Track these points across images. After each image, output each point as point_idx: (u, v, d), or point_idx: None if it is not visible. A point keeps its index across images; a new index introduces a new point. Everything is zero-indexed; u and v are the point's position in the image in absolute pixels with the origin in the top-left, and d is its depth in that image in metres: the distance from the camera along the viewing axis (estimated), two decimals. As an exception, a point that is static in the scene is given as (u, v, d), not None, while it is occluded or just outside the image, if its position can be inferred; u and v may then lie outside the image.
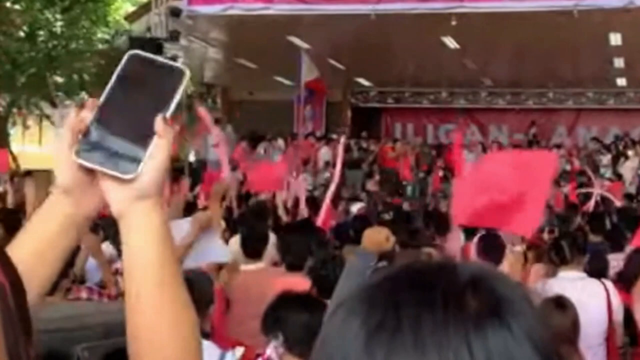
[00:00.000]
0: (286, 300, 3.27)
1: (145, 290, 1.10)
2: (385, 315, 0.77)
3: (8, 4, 19.98)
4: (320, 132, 21.00)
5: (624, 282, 5.10)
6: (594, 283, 4.91)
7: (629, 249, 6.02)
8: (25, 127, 28.64)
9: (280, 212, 8.50)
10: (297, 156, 15.22)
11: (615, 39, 15.47)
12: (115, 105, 1.10)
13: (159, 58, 1.14)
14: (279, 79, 20.08)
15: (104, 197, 1.15)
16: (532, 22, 13.46)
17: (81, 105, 1.11)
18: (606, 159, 18.91)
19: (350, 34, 15.30)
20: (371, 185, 17.57)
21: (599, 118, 23.16)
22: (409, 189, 17.96)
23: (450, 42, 16.25)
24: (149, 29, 15.26)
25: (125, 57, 1.12)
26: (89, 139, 1.09)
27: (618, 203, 11.45)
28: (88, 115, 1.12)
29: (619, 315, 4.84)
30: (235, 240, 6.22)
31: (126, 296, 1.11)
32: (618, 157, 18.87)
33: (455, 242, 6.76)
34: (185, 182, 11.07)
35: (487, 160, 4.82)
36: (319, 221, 7.05)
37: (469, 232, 6.38)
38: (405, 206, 13.67)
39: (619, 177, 17.19)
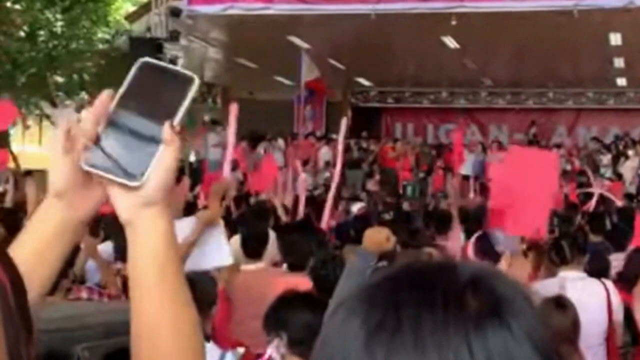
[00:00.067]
0: (289, 300, 3.27)
1: (149, 294, 1.11)
2: (386, 315, 0.77)
3: (8, 4, 19.97)
4: (321, 132, 21.00)
5: (624, 281, 5.10)
6: (594, 283, 4.91)
7: (630, 248, 6.02)
8: (26, 127, 28.65)
9: (280, 212, 8.49)
10: (296, 156, 15.22)
11: (615, 38, 15.48)
12: (124, 113, 1.10)
13: (169, 66, 1.15)
14: (279, 78, 20.08)
15: (100, 201, 1.17)
16: (532, 22, 13.46)
17: (78, 109, 1.12)
18: (606, 158, 18.91)
19: (350, 33, 15.30)
20: (371, 185, 17.58)
21: (599, 118, 23.16)
22: (409, 189, 17.96)
23: (451, 42, 16.25)
24: (149, 29, 15.26)
25: (135, 65, 1.13)
26: (97, 147, 1.09)
27: (619, 203, 11.44)
28: (87, 116, 1.12)
29: (619, 315, 4.84)
30: (235, 240, 6.22)
31: (131, 299, 1.12)
32: (618, 157, 18.87)
33: (455, 242, 6.77)
34: (186, 182, 11.06)
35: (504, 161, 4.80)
36: (323, 223, 7.05)
37: (469, 232, 6.38)
38: (405, 206, 13.67)
39: (619, 177, 17.19)
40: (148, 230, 1.11)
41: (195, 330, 1.14)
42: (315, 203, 9.08)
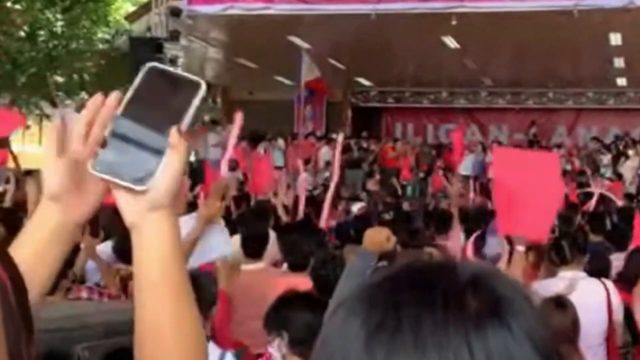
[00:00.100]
0: (289, 300, 3.27)
1: (153, 296, 1.12)
2: (386, 315, 0.77)
3: (9, 4, 19.98)
4: (321, 132, 21.00)
5: (624, 281, 5.10)
6: (594, 283, 4.91)
7: (630, 248, 6.02)
8: (26, 127, 28.64)
9: (280, 212, 8.49)
10: (297, 156, 15.21)
11: (615, 38, 15.48)
12: (131, 117, 1.11)
13: (176, 71, 1.16)
14: (280, 78, 20.09)
15: (96, 203, 1.17)
16: (533, 22, 13.46)
17: (78, 108, 1.13)
18: (606, 158, 18.90)
19: (350, 33, 15.30)
20: (371, 185, 17.56)
21: (599, 118, 23.16)
22: (409, 189, 17.96)
23: (451, 42, 16.25)
24: (149, 29, 15.27)
25: (143, 70, 1.14)
26: (104, 150, 1.10)
27: (620, 202, 11.44)
28: (81, 119, 1.13)
29: (619, 315, 4.84)
30: (235, 240, 6.21)
31: (135, 299, 1.13)
32: (618, 156, 18.86)
33: (456, 242, 6.77)
34: (185, 182, 11.05)
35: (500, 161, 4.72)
36: (322, 222, 7.05)
37: (469, 232, 6.38)
38: (405, 206, 13.67)
39: (619, 176, 17.19)
40: (153, 234, 1.11)
41: (197, 330, 1.14)
42: (315, 203, 9.08)
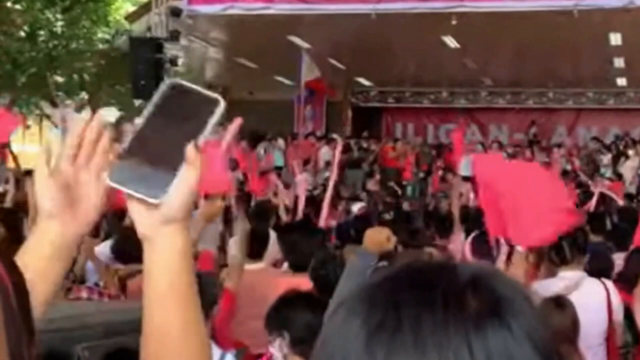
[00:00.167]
0: (290, 300, 3.27)
1: (161, 307, 1.14)
2: (386, 315, 0.78)
3: (9, 4, 19.98)
4: (321, 132, 21.00)
5: (624, 281, 5.10)
6: (594, 283, 4.91)
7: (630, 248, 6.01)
8: (26, 127, 28.64)
9: (281, 212, 8.50)
10: (296, 155, 15.21)
11: (615, 38, 15.48)
12: (150, 131, 1.12)
13: (196, 88, 1.16)
14: (280, 78, 20.09)
15: (93, 215, 1.20)
16: (533, 21, 13.46)
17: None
18: (606, 158, 18.89)
19: (350, 33, 15.29)
20: (372, 185, 17.56)
21: (599, 118, 23.16)
22: (409, 189, 17.96)
23: (451, 42, 16.25)
24: (149, 29, 15.26)
25: (164, 86, 1.15)
26: (121, 162, 1.12)
27: (621, 202, 11.43)
28: (70, 137, 1.16)
29: (619, 315, 4.84)
30: (235, 240, 6.22)
31: (143, 308, 1.16)
32: (618, 156, 18.85)
33: (458, 244, 6.76)
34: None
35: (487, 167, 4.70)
36: (321, 221, 7.05)
37: (469, 232, 6.38)
38: (405, 206, 13.66)
39: (619, 176, 17.18)
40: (165, 247, 1.13)
41: (203, 340, 1.16)
42: (315, 203, 9.08)
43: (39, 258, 1.20)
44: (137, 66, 14.38)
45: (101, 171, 1.17)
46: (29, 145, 29.27)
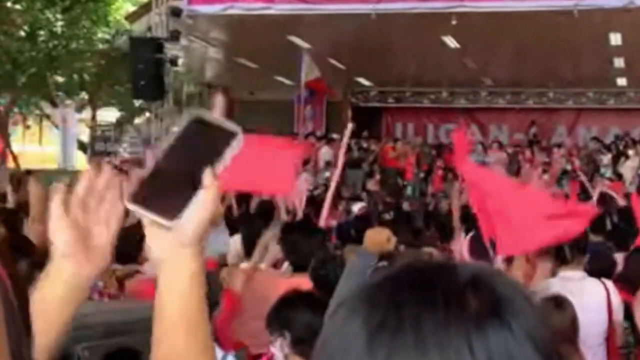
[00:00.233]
0: (291, 300, 3.27)
1: (172, 328, 1.16)
2: (387, 315, 0.78)
3: (9, 4, 19.99)
4: (321, 132, 20.99)
5: (624, 281, 5.10)
6: (594, 283, 4.91)
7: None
8: (26, 126, 28.66)
9: (282, 212, 8.49)
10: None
11: (616, 38, 15.47)
12: (169, 160, 1.17)
13: (217, 120, 1.20)
14: (280, 78, 20.08)
15: (106, 258, 1.25)
16: (533, 21, 13.45)
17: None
18: (606, 158, 18.89)
19: (350, 33, 15.29)
20: (372, 185, 17.57)
21: (599, 118, 23.16)
22: (409, 189, 17.96)
23: (451, 42, 16.25)
24: (149, 29, 15.27)
25: (186, 119, 1.19)
26: (141, 187, 1.16)
27: (621, 202, 11.42)
28: (81, 185, 1.22)
29: (619, 315, 4.84)
30: (235, 240, 6.22)
31: (153, 327, 1.18)
32: (618, 156, 18.85)
33: (459, 244, 6.76)
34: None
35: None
36: (321, 221, 7.04)
37: (469, 231, 6.37)
38: (405, 206, 13.67)
39: (619, 176, 17.18)
40: (179, 271, 1.16)
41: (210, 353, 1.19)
42: (315, 203, 9.08)
43: (52, 297, 1.23)
44: (137, 66, 14.39)
45: (111, 218, 1.23)
46: (29, 145, 29.29)
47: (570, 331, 3.82)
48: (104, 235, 1.24)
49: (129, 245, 5.27)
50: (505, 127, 24.23)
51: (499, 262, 4.29)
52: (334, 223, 8.80)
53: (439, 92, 23.93)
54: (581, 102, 23.19)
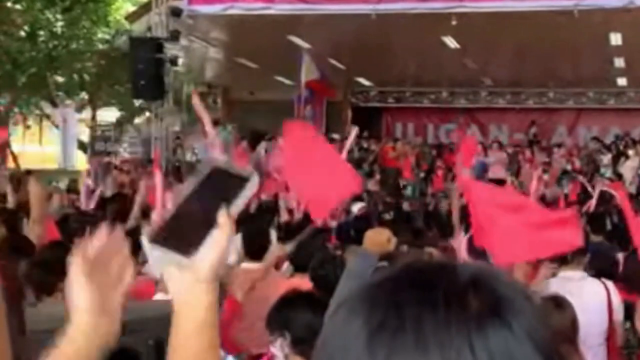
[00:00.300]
0: (291, 300, 3.27)
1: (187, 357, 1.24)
2: (387, 315, 0.78)
3: (9, 4, 19.99)
4: (321, 132, 20.99)
5: (623, 281, 5.10)
6: (594, 283, 4.91)
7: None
8: (26, 126, 28.66)
9: (282, 212, 8.50)
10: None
11: (616, 38, 15.47)
12: (188, 205, 1.24)
13: (235, 169, 1.28)
14: (280, 78, 20.08)
15: (118, 326, 1.32)
16: (533, 22, 13.45)
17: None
18: (606, 158, 18.88)
19: (350, 33, 15.29)
20: (372, 185, 17.56)
21: (599, 118, 23.15)
22: (409, 189, 17.96)
23: (451, 42, 16.25)
24: (149, 29, 15.27)
25: (206, 169, 1.27)
26: (160, 227, 1.22)
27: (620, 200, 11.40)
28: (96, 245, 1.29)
29: (619, 315, 4.84)
30: (235, 240, 6.21)
31: (168, 356, 1.25)
32: (618, 156, 18.84)
33: (459, 242, 6.76)
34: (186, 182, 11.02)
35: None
36: (318, 221, 7.04)
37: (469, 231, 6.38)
38: (405, 206, 13.67)
39: (619, 176, 17.18)
40: (195, 306, 1.22)
41: None
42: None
43: (72, 349, 1.29)
44: (137, 66, 14.39)
45: (120, 279, 1.32)
46: (29, 145, 29.29)
47: (570, 331, 3.82)
48: (117, 293, 1.32)
49: (130, 244, 5.27)
50: (505, 127, 24.23)
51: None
52: (333, 223, 8.80)
53: (439, 92, 23.92)
54: (581, 102, 23.19)
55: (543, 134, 22.80)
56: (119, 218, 6.93)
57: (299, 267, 4.96)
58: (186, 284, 1.22)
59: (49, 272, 4.17)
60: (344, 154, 8.34)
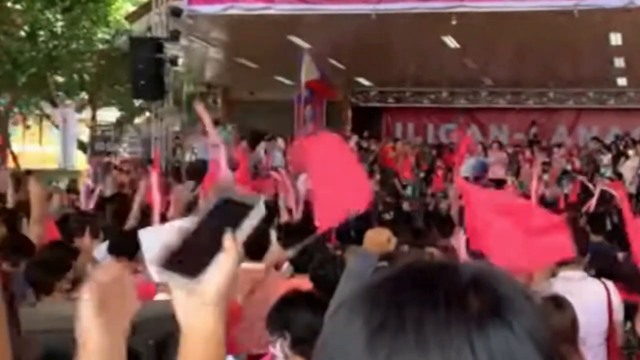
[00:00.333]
0: (291, 300, 3.27)
1: None
2: (388, 315, 0.78)
3: (9, 4, 19.99)
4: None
5: (623, 281, 5.10)
6: (594, 283, 4.91)
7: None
8: (26, 127, 28.66)
9: (282, 212, 8.49)
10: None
11: (616, 38, 15.47)
12: (197, 232, 1.27)
13: (245, 198, 1.32)
14: (280, 78, 20.08)
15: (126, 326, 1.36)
16: (533, 21, 13.45)
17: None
18: (606, 158, 18.88)
19: (350, 33, 15.30)
20: (372, 185, 17.54)
21: (599, 118, 23.16)
22: (409, 189, 17.95)
23: (451, 42, 16.25)
24: (149, 29, 15.27)
25: (217, 200, 1.31)
26: (170, 256, 1.24)
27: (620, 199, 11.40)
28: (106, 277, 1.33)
29: (619, 315, 4.84)
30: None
31: None
32: (618, 156, 18.84)
33: (458, 242, 6.75)
34: (186, 182, 11.06)
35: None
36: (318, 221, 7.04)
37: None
38: (405, 206, 13.67)
39: (619, 176, 17.17)
40: (201, 329, 1.25)
41: None
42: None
43: None
44: (137, 66, 14.39)
45: (126, 310, 1.35)
46: (29, 145, 29.29)
47: (570, 331, 3.82)
48: (122, 327, 1.35)
49: (128, 245, 5.27)
50: (506, 127, 24.23)
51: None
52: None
53: (439, 92, 23.93)
54: (581, 102, 23.19)
55: (543, 134, 22.80)
56: (119, 218, 6.93)
57: (299, 267, 4.96)
58: (193, 307, 1.23)
59: (49, 272, 4.18)
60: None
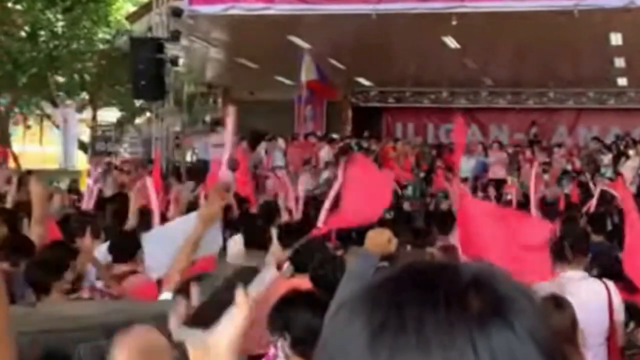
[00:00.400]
0: (291, 300, 3.26)
1: None
2: (389, 315, 0.78)
3: (10, 4, 20.00)
4: (321, 132, 20.98)
5: (623, 281, 5.10)
6: (594, 283, 4.91)
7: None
8: (26, 127, 28.66)
9: (283, 212, 8.49)
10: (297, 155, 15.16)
11: (616, 38, 15.47)
12: (212, 300, 1.38)
13: (253, 268, 1.42)
14: (280, 78, 20.09)
15: None
16: (533, 21, 13.45)
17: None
18: (607, 158, 18.87)
19: (351, 33, 15.30)
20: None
21: (599, 118, 23.15)
22: (409, 189, 17.94)
23: (451, 42, 16.25)
24: (150, 29, 15.28)
25: (228, 279, 1.40)
26: (189, 318, 1.33)
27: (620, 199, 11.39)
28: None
29: (620, 315, 4.84)
30: (235, 240, 6.21)
31: None
32: (619, 156, 18.83)
33: (457, 239, 6.75)
34: (186, 182, 11.07)
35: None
36: (319, 222, 7.03)
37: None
38: (406, 206, 13.66)
39: (619, 176, 17.15)
40: None
41: None
42: (315, 203, 9.07)
43: None
44: (138, 66, 14.40)
45: None
46: (30, 145, 29.29)
47: (570, 331, 3.82)
48: None
49: (129, 245, 5.27)
50: (506, 127, 24.23)
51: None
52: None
53: (439, 92, 23.93)
54: (581, 102, 23.19)
55: (543, 134, 22.79)
56: (119, 218, 6.93)
57: (299, 267, 4.96)
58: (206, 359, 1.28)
59: (49, 272, 4.18)
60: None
